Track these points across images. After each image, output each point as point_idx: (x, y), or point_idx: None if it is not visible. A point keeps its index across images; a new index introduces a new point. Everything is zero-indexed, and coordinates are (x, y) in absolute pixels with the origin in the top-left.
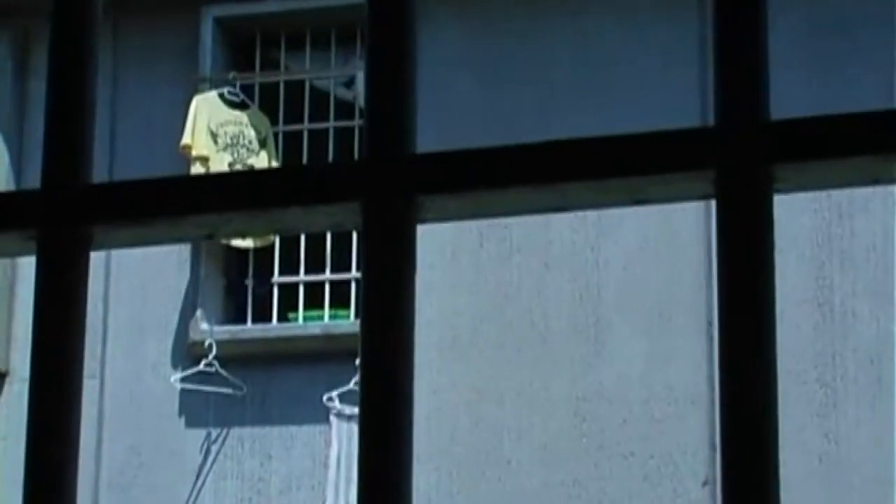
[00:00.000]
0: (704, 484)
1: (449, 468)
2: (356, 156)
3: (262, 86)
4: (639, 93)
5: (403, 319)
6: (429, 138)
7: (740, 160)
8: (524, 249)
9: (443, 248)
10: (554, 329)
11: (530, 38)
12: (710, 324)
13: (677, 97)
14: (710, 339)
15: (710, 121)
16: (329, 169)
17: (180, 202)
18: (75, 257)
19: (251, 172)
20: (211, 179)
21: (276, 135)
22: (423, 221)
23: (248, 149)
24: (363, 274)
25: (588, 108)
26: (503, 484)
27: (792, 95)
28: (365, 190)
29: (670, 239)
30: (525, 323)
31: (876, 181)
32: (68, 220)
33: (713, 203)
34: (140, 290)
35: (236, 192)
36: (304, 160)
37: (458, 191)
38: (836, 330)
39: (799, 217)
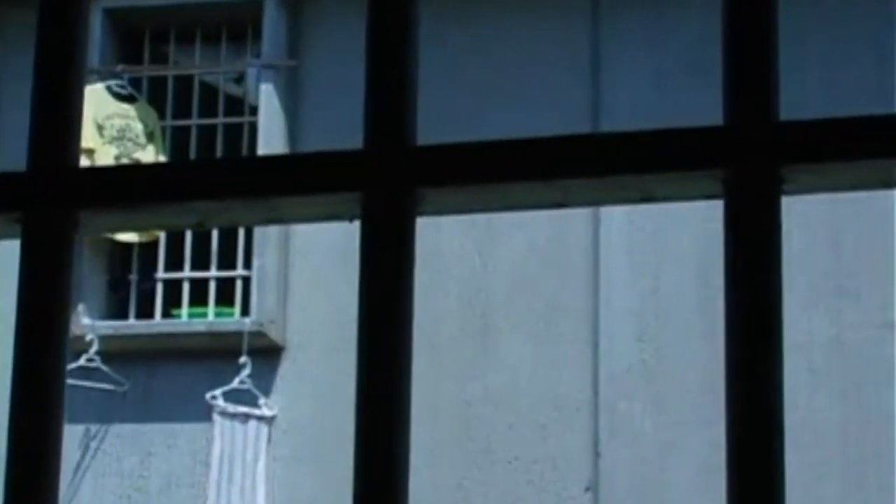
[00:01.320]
0: (587, 489)
1: (333, 471)
2: (244, 152)
3: (150, 79)
4: (536, 98)
5: (402, 311)
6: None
7: (751, 160)
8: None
9: (332, 248)
10: (442, 333)
11: (435, 42)
12: (595, 331)
13: (571, 102)
14: (595, 346)
15: (601, 125)
16: (329, 158)
17: (171, 188)
18: (61, 241)
19: (249, 159)
20: (206, 165)
21: (164, 129)
22: (423, 214)
23: (134, 142)
24: (361, 264)
25: (490, 112)
26: None
27: (689, 104)
28: (366, 181)
29: (558, 246)
30: (413, 326)
31: (885, 185)
32: (55, 203)
33: (602, 211)
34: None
35: (233, 179)
36: (192, 155)
37: (461, 184)
38: (721, 339)
39: (687, 230)
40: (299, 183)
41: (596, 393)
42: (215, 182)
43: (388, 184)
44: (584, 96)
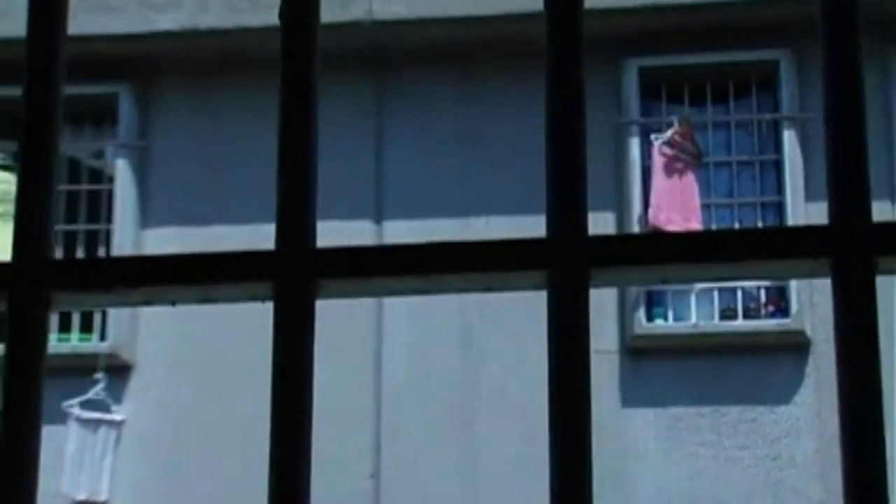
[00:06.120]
0: (371, 476)
1: (173, 464)
2: (102, 214)
3: None
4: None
5: (306, 370)
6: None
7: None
8: None
9: None
10: None
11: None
12: (378, 355)
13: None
14: (378, 367)
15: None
16: (246, 256)
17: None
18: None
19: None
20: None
21: None
22: (327, 298)
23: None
24: (275, 340)
25: None
26: None
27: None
28: (278, 273)
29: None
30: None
31: None
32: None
33: None
34: None
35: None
36: (62, 217)
37: (353, 277)
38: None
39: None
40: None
41: (378, 404)
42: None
43: (296, 276)
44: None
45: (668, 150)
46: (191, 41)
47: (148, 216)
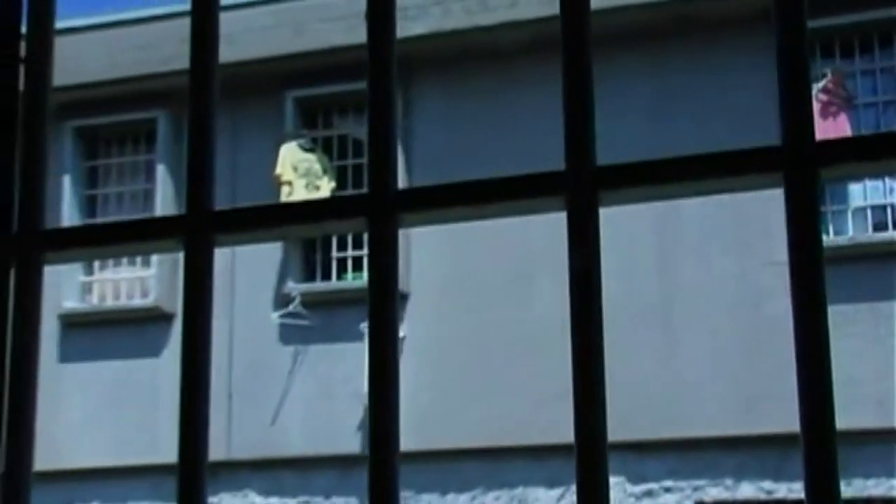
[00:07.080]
0: None
1: (444, 372)
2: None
3: (323, 138)
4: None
5: (394, 288)
6: None
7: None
8: None
9: (439, 230)
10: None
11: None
12: None
13: None
14: None
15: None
16: (341, 200)
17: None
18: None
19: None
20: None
21: (333, 168)
22: (405, 227)
23: (316, 176)
24: (369, 259)
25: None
26: None
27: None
28: (369, 211)
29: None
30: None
31: None
32: (385, 213)
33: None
34: (257, 262)
35: None
36: (350, 184)
37: (426, 209)
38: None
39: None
40: (320, 214)
41: None
42: None
43: (383, 212)
44: None
45: (823, 97)
46: (438, 41)
47: (412, 181)
